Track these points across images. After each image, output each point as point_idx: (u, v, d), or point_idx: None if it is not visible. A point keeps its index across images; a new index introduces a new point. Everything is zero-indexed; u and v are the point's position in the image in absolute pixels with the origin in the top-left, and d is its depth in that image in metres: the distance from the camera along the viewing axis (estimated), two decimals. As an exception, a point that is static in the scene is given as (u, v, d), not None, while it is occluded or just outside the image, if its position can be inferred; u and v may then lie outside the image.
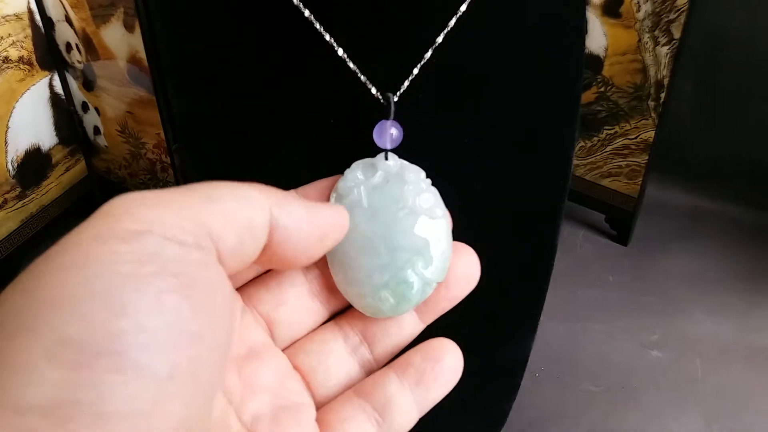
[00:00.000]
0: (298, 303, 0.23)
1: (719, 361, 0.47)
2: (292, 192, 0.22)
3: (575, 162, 0.58)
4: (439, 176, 0.26)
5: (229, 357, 0.19)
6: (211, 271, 0.16)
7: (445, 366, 0.23)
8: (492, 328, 0.33)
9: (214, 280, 0.16)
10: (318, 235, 0.20)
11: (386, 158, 0.24)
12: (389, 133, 0.23)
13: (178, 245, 0.16)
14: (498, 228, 0.29)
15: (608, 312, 0.51)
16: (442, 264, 0.23)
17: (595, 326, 0.50)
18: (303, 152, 0.26)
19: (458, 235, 0.27)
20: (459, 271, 0.24)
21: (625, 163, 0.54)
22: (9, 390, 0.13)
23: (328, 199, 0.23)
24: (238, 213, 0.17)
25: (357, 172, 0.23)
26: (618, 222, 0.58)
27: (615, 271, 0.56)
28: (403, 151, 0.25)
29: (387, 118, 0.24)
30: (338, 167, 0.24)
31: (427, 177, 0.25)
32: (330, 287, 0.23)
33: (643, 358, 0.47)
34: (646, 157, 0.53)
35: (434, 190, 0.24)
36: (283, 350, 0.23)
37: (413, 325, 0.24)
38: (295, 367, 0.22)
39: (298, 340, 0.23)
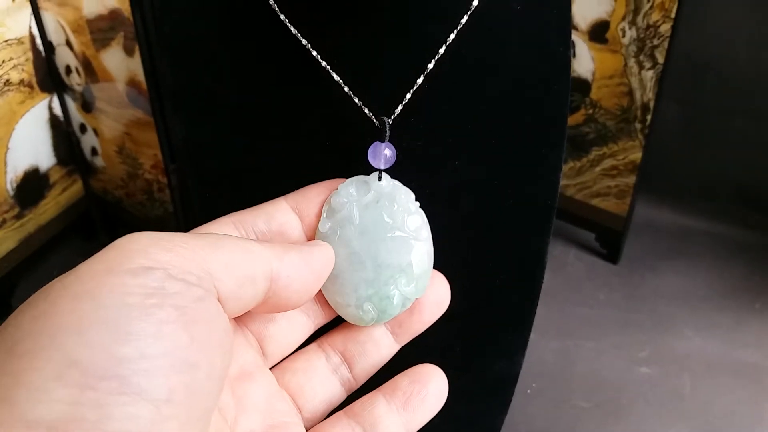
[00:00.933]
0: (285, 318, 0.24)
1: (707, 377, 0.48)
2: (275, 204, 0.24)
3: (565, 182, 0.59)
4: (430, 196, 0.27)
5: (225, 382, 0.20)
6: (210, 307, 0.18)
7: (431, 390, 0.24)
8: (483, 345, 0.34)
9: (212, 315, 0.18)
10: (315, 278, 0.22)
11: (380, 178, 0.25)
12: (383, 153, 0.25)
13: (181, 282, 0.17)
14: (488, 246, 0.30)
15: (598, 329, 0.52)
16: (422, 282, 0.25)
17: (586, 343, 0.51)
18: (299, 172, 0.27)
19: (448, 253, 0.28)
20: (431, 296, 0.26)
21: (613, 183, 0.56)
22: (21, 405, 0.15)
23: (319, 207, 0.25)
24: (240, 263, 0.19)
25: (351, 188, 0.25)
26: (608, 241, 0.59)
27: (605, 290, 0.57)
28: (394, 171, 0.26)
29: (382, 140, 0.25)
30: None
31: (418, 196, 0.26)
32: (314, 300, 0.25)
33: (633, 374, 0.48)
34: (634, 178, 0.54)
35: (422, 213, 0.25)
36: (271, 368, 0.24)
37: (389, 346, 0.26)
38: (284, 386, 0.24)
39: (285, 359, 0.24)
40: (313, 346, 0.25)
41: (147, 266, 0.17)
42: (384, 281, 0.24)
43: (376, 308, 0.24)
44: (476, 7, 0.26)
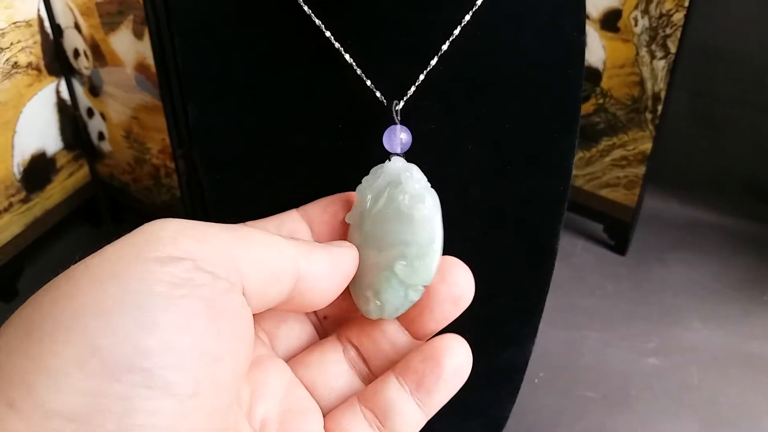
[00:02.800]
0: (296, 320, 0.24)
1: (715, 368, 0.48)
2: (297, 212, 0.24)
3: (574, 172, 0.59)
4: (442, 180, 0.27)
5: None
6: (235, 301, 0.18)
7: (446, 366, 0.22)
8: (494, 332, 0.34)
9: (237, 309, 0.18)
10: (341, 279, 0.22)
11: (389, 159, 0.25)
12: (399, 137, 0.25)
13: (209, 275, 0.17)
14: (499, 232, 0.30)
15: (606, 320, 0.52)
16: (433, 265, 0.24)
17: (593, 334, 0.51)
18: (312, 156, 0.27)
19: (460, 238, 0.28)
20: (449, 291, 0.24)
21: (623, 173, 0.56)
22: (39, 392, 0.14)
23: (333, 217, 0.24)
24: (266, 259, 0.19)
25: (370, 177, 0.25)
26: (616, 232, 0.59)
27: (613, 281, 0.57)
28: (407, 155, 0.26)
29: (393, 123, 0.25)
30: (345, 170, 0.26)
31: (430, 178, 0.26)
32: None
33: (640, 366, 0.48)
34: (644, 169, 0.54)
35: (433, 192, 0.25)
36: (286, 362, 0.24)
37: (405, 342, 0.24)
38: (299, 378, 0.23)
39: (297, 354, 0.24)
40: (330, 338, 0.24)
41: (176, 256, 0.17)
42: (394, 257, 0.24)
43: (378, 297, 0.24)
44: (492, -12, 0.26)
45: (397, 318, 0.24)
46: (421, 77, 0.26)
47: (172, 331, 0.16)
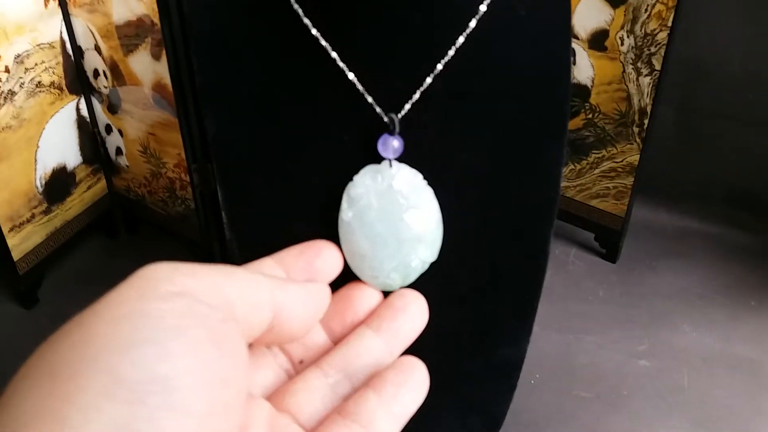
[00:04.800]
0: (270, 368, 0.25)
1: (704, 370, 0.49)
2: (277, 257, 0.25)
3: (566, 184, 0.61)
4: (439, 185, 0.28)
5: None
6: (232, 328, 0.19)
7: (416, 378, 0.24)
8: (490, 330, 0.35)
9: (234, 336, 0.19)
10: (314, 310, 0.23)
11: (390, 165, 0.27)
12: (391, 144, 0.27)
13: (207, 306, 0.18)
14: (493, 235, 0.32)
15: (599, 324, 0.54)
16: (436, 246, 0.28)
17: (587, 337, 0.52)
18: (319, 163, 0.29)
19: (457, 241, 0.30)
20: (408, 323, 0.26)
21: (612, 184, 0.57)
22: (73, 425, 0.15)
23: (307, 263, 0.25)
24: (248, 291, 0.20)
25: (366, 178, 0.27)
26: (607, 240, 0.60)
27: (605, 287, 0.58)
28: (406, 162, 0.28)
29: (391, 134, 0.27)
30: (349, 176, 0.27)
31: (429, 183, 0.28)
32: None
33: (632, 367, 0.50)
34: (632, 179, 0.56)
35: (429, 189, 0.27)
36: (267, 397, 0.24)
37: (385, 353, 0.26)
38: (283, 410, 0.24)
39: (281, 387, 0.25)
40: (311, 367, 0.25)
41: (175, 291, 0.18)
42: (405, 253, 0.27)
43: (401, 276, 0.27)
44: (484, 12, 0.28)
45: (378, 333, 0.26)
46: (416, 95, 0.27)
47: (184, 357, 0.17)
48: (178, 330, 0.17)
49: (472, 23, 0.28)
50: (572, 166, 0.60)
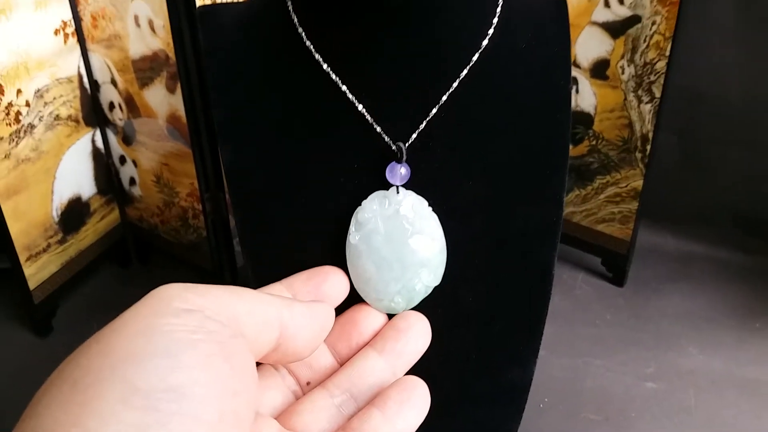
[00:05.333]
0: (278, 390, 0.26)
1: (711, 392, 0.49)
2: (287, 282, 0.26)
3: (572, 209, 0.62)
4: (446, 212, 0.30)
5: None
6: (241, 344, 0.20)
7: (419, 395, 0.25)
8: (497, 353, 0.35)
9: (243, 351, 0.20)
10: (319, 329, 0.24)
11: (397, 192, 0.28)
12: (399, 172, 0.28)
13: (217, 323, 0.20)
14: (499, 259, 0.33)
15: (607, 348, 0.54)
16: (439, 271, 0.29)
17: (595, 361, 0.53)
18: (331, 190, 0.30)
19: (463, 265, 0.31)
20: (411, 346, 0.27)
21: (617, 209, 0.58)
22: (90, 428, 0.16)
23: (315, 287, 0.27)
24: (256, 309, 0.22)
25: (374, 203, 0.28)
26: (613, 265, 0.61)
27: (612, 311, 0.59)
28: (414, 190, 0.29)
29: (399, 162, 0.28)
30: (358, 201, 0.29)
31: (436, 210, 0.29)
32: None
33: (640, 390, 0.50)
34: (636, 204, 0.57)
35: (434, 216, 0.28)
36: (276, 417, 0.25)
37: (389, 373, 0.27)
38: (290, 429, 0.25)
39: (288, 407, 0.26)
40: (317, 388, 0.26)
41: (186, 308, 0.19)
42: (409, 277, 0.28)
43: (405, 299, 0.28)
44: (486, 46, 0.30)
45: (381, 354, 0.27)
46: (422, 126, 0.29)
47: (195, 368, 0.18)
48: (189, 344, 0.18)
49: (475, 57, 0.29)
50: (577, 192, 0.61)
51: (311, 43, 0.29)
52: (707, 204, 0.68)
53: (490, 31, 0.30)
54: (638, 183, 0.56)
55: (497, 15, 0.30)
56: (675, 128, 0.64)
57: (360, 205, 0.29)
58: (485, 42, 0.30)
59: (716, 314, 0.57)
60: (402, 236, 0.28)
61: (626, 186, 0.57)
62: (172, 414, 0.17)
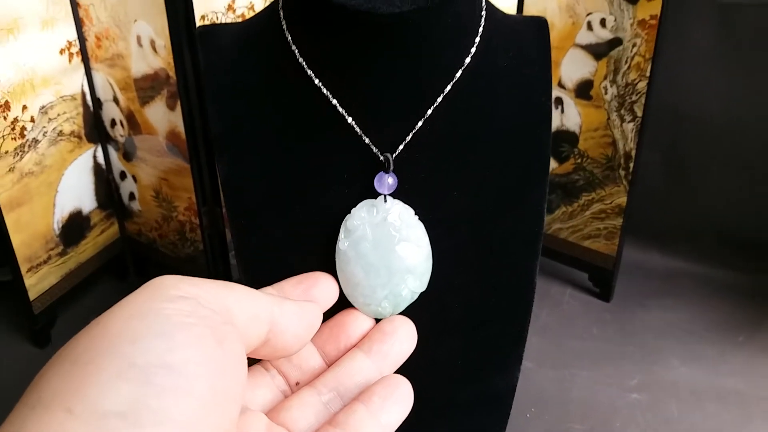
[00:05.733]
0: (268, 388, 0.27)
1: (693, 403, 0.50)
2: (278, 287, 0.28)
3: (559, 225, 0.63)
4: (432, 221, 0.31)
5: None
6: (231, 331, 0.22)
7: (402, 392, 0.27)
8: (482, 359, 0.36)
9: (234, 337, 0.22)
10: (307, 327, 0.26)
11: (385, 201, 0.30)
12: (386, 181, 0.30)
13: (209, 310, 0.21)
14: (483, 268, 0.34)
15: (593, 360, 0.55)
16: (425, 278, 0.30)
17: (581, 372, 0.54)
18: (323, 199, 0.31)
19: (449, 274, 0.32)
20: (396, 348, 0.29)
21: (603, 225, 0.60)
22: (91, 398, 0.17)
23: (305, 291, 0.28)
24: (247, 302, 0.23)
25: (362, 211, 0.29)
26: (600, 280, 0.63)
27: (599, 325, 0.60)
28: (401, 199, 0.31)
29: (386, 172, 0.30)
30: (349, 210, 0.30)
31: (423, 219, 0.30)
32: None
33: (624, 401, 0.51)
34: (621, 220, 0.58)
35: (420, 224, 0.30)
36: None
37: (375, 373, 0.28)
38: (279, 423, 0.26)
39: (277, 404, 0.27)
40: (305, 387, 0.27)
41: (181, 296, 0.21)
42: (396, 283, 0.29)
43: (391, 304, 0.29)
44: (469, 63, 0.31)
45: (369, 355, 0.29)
46: (408, 138, 0.30)
47: (190, 348, 0.19)
48: (183, 326, 0.20)
49: (458, 73, 0.31)
50: (564, 209, 0.62)
51: (304, 60, 0.30)
52: (691, 221, 0.69)
53: (473, 50, 0.31)
54: (622, 200, 0.57)
55: (479, 35, 0.32)
56: (658, 147, 0.66)
57: (349, 213, 0.30)
58: (468, 60, 0.31)
59: (699, 328, 0.59)
60: (389, 243, 0.29)
61: (611, 202, 0.58)
62: (166, 388, 0.18)
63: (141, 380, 0.18)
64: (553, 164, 0.62)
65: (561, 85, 0.57)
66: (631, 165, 0.55)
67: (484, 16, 0.33)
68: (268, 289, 0.27)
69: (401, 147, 0.31)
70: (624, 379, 0.53)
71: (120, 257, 0.67)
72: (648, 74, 0.51)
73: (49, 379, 0.18)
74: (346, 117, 0.30)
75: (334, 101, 0.30)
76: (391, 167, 0.30)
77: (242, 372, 0.22)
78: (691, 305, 0.61)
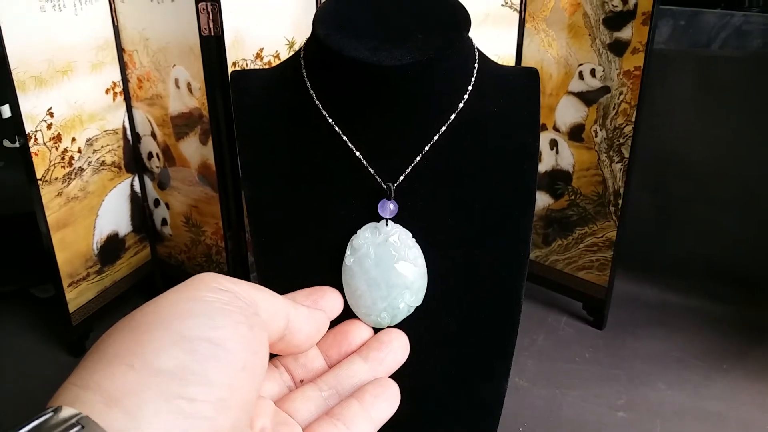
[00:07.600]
0: (275, 383, 0.31)
1: (676, 422, 0.53)
2: (290, 296, 0.31)
3: (555, 257, 0.67)
4: (429, 243, 0.34)
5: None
6: (259, 320, 0.25)
7: (391, 392, 0.30)
8: (472, 370, 0.38)
9: (261, 327, 0.25)
10: (317, 328, 0.29)
11: (387, 224, 0.33)
12: (388, 207, 0.33)
13: (242, 301, 0.25)
14: (473, 286, 0.36)
15: (583, 381, 0.58)
16: (420, 294, 0.33)
17: (572, 392, 0.56)
18: (333, 221, 0.35)
19: (444, 292, 0.35)
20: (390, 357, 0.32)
21: (595, 257, 0.63)
22: (148, 358, 0.21)
23: (314, 302, 0.31)
24: (269, 300, 0.27)
25: (366, 232, 0.33)
26: (594, 309, 0.65)
27: (591, 350, 0.62)
28: (401, 223, 0.34)
29: (388, 199, 0.34)
30: (355, 231, 0.34)
31: (420, 242, 0.34)
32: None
33: (611, 418, 0.53)
34: (612, 253, 0.61)
35: (417, 246, 0.33)
36: None
37: (370, 376, 0.31)
38: (285, 412, 0.29)
39: (283, 397, 0.30)
40: (308, 384, 0.31)
41: (221, 288, 0.24)
42: (394, 296, 0.32)
43: (389, 316, 0.33)
44: (462, 108, 0.35)
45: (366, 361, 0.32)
46: (408, 170, 0.34)
47: (228, 328, 0.23)
48: (223, 311, 0.23)
49: (453, 116, 0.35)
50: (560, 242, 0.66)
51: (320, 102, 0.35)
52: (680, 255, 0.72)
53: (466, 96, 0.36)
54: (612, 233, 0.61)
55: (472, 83, 0.36)
56: (647, 186, 0.69)
57: (355, 233, 0.34)
58: (461, 104, 0.35)
59: (687, 355, 0.61)
60: (389, 261, 0.33)
61: (602, 236, 0.62)
62: (209, 356, 0.22)
63: (188, 348, 0.21)
64: (549, 200, 0.65)
65: (556, 129, 0.61)
66: (620, 201, 0.59)
67: (476, 66, 0.37)
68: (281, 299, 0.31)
69: (401, 178, 0.34)
70: (611, 398, 0.55)
71: (150, 277, 0.71)
72: (633, 119, 0.55)
73: (110, 344, 0.21)
74: (355, 151, 0.34)
75: (345, 137, 0.34)
76: (392, 195, 0.34)
77: (266, 355, 0.25)
78: (680, 335, 0.64)
